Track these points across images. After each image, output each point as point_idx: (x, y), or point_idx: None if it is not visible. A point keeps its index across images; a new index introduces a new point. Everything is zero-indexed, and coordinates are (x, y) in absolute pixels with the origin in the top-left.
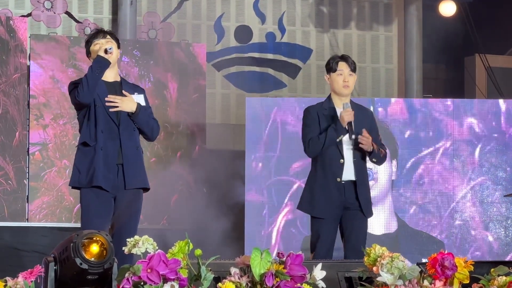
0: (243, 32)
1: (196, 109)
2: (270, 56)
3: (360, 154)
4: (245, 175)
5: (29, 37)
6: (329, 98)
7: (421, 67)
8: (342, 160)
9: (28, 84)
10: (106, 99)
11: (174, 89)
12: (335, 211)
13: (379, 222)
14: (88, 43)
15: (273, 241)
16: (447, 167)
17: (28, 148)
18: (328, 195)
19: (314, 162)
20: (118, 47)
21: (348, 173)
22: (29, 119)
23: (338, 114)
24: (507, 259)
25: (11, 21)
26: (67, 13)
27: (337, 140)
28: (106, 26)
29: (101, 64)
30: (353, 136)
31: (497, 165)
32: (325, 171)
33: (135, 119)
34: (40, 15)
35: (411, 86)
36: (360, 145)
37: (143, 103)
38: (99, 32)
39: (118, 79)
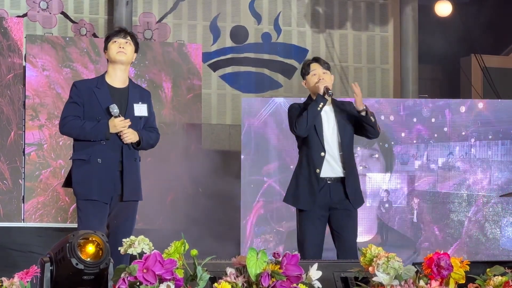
0: (239, 33)
1: (191, 109)
2: (266, 56)
3: (347, 145)
4: (241, 175)
5: (25, 37)
6: (309, 98)
7: (416, 67)
8: (323, 154)
9: (24, 84)
10: (120, 134)
11: (168, 89)
12: (320, 209)
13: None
14: (108, 39)
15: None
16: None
17: (24, 148)
18: (311, 187)
19: (300, 155)
20: (136, 50)
21: (335, 168)
22: (24, 119)
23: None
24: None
25: (3, 21)
26: (63, 13)
27: (318, 108)
28: (102, 27)
29: (99, 137)
30: (332, 92)
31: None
32: (310, 164)
33: (137, 149)
34: (35, 16)
35: (407, 86)
36: (356, 98)
37: (145, 113)
38: (121, 31)
39: (127, 84)
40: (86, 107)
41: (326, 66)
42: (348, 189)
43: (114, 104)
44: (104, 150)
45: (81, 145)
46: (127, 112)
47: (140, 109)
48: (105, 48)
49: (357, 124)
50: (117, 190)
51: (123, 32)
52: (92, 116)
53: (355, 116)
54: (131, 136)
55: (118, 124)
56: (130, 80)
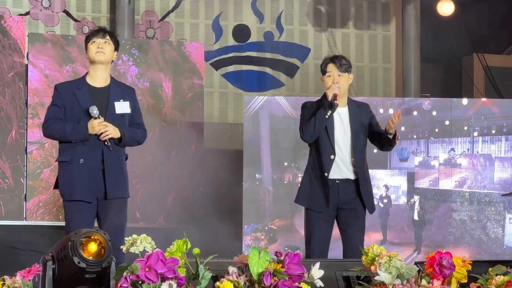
0: (241, 31)
1: (192, 108)
2: (268, 55)
3: (360, 150)
4: (243, 174)
5: (27, 35)
6: (324, 96)
7: (418, 66)
8: (332, 156)
9: (26, 83)
10: (100, 136)
11: (169, 88)
12: (330, 209)
13: None
14: (87, 39)
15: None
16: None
17: (26, 147)
18: (321, 189)
19: (310, 157)
20: (116, 48)
21: (345, 171)
22: (27, 117)
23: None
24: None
25: (3, 20)
26: (65, 11)
27: (326, 116)
28: (104, 25)
29: (79, 138)
30: (337, 103)
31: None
32: (319, 166)
33: (121, 146)
34: (38, 14)
35: (409, 85)
36: (391, 123)
37: (127, 111)
38: (99, 31)
39: (108, 82)
40: (67, 109)
41: (344, 68)
42: (363, 195)
43: (94, 106)
44: (85, 150)
45: (64, 147)
46: (108, 110)
47: (122, 107)
48: (86, 48)
49: (372, 133)
50: (100, 189)
51: (101, 31)
52: (73, 117)
53: (371, 123)
54: (111, 131)
55: (96, 126)
56: (112, 78)
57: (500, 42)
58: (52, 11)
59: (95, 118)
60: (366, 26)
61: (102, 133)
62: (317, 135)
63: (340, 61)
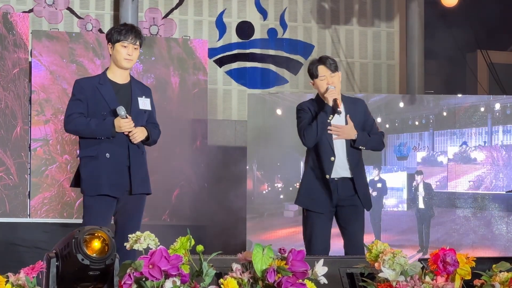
0: (245, 28)
1: (197, 105)
2: (271, 52)
3: (355, 150)
4: (246, 170)
5: (31, 33)
6: (318, 96)
7: (422, 63)
8: (332, 158)
9: (30, 80)
10: (125, 133)
11: (176, 85)
12: (329, 208)
13: None
14: (118, 36)
15: None
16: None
17: (30, 144)
18: (323, 190)
19: (309, 159)
20: (140, 46)
21: (342, 171)
22: (31, 114)
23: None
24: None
25: (9, 16)
26: (69, 9)
27: (328, 120)
28: (108, 22)
29: (105, 135)
30: (340, 110)
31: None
32: (319, 167)
33: (146, 144)
34: (41, 11)
35: (413, 82)
36: (335, 137)
37: (149, 108)
38: (130, 32)
39: (128, 80)
40: (90, 104)
41: (334, 66)
42: (359, 191)
43: (121, 106)
44: (111, 146)
45: (87, 142)
46: (132, 105)
47: (144, 103)
48: (111, 43)
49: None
50: (125, 185)
51: (132, 34)
52: (96, 111)
53: (366, 121)
54: (139, 135)
55: (124, 126)
56: (131, 75)
57: (504, 39)
58: (56, 8)
59: (123, 118)
60: (370, 22)
61: (130, 134)
62: (319, 139)
63: (329, 62)
